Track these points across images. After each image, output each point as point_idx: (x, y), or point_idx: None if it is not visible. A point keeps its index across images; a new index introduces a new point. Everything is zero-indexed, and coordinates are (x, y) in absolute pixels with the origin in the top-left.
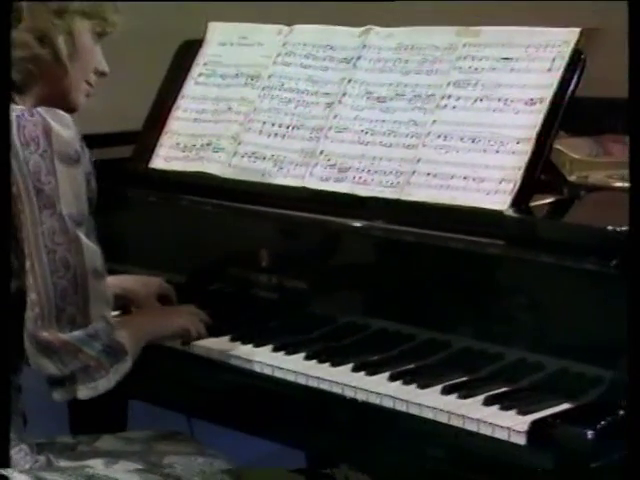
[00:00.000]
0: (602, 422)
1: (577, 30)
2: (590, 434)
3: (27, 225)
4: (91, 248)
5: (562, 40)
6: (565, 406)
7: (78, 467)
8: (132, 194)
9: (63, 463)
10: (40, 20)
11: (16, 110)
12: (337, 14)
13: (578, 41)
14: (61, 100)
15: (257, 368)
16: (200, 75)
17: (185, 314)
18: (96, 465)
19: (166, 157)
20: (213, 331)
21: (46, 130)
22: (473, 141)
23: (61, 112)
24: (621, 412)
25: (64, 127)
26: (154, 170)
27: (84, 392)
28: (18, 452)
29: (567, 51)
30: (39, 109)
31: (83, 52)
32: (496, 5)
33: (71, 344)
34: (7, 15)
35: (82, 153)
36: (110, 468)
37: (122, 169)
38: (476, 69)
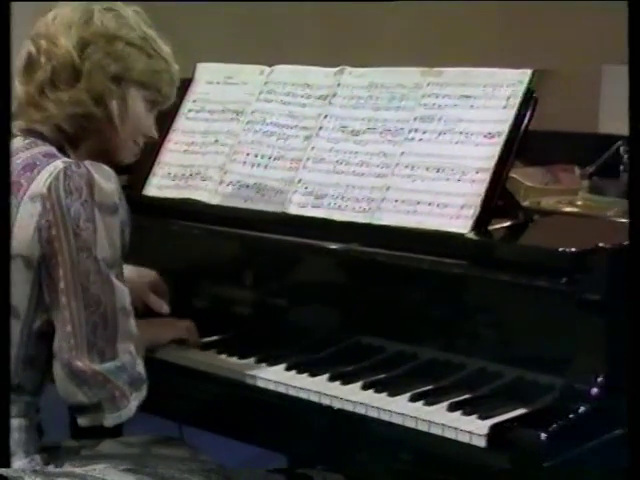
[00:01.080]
0: (554, 425)
1: (529, 71)
2: (543, 436)
3: (64, 265)
4: (121, 289)
5: (516, 80)
6: (521, 411)
7: (81, 473)
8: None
9: (68, 467)
10: (97, 83)
11: (65, 162)
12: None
13: (530, 81)
14: (109, 156)
15: (241, 378)
16: (190, 111)
17: (181, 324)
18: (99, 469)
19: (158, 185)
20: (201, 345)
21: (90, 182)
22: (437, 171)
23: (105, 166)
24: (571, 416)
25: (106, 180)
26: (148, 197)
27: (109, 420)
28: (30, 462)
29: (520, 90)
30: (86, 162)
31: (134, 117)
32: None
33: (101, 374)
34: (7, 15)
35: (120, 205)
36: (110, 471)
37: None
38: (439, 106)
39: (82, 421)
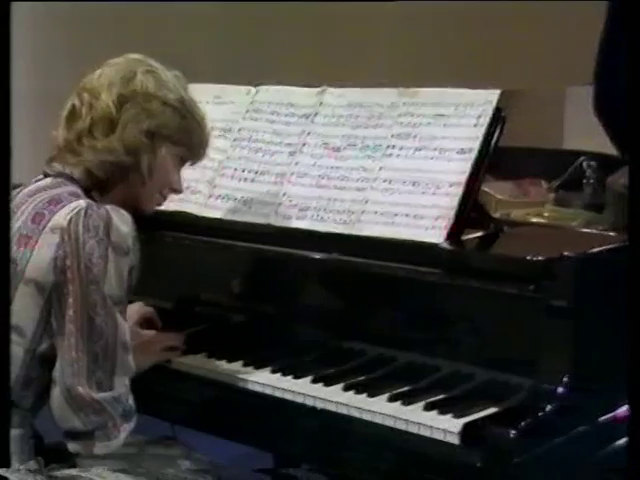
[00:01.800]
0: (523, 423)
1: (497, 92)
2: (513, 433)
3: (74, 294)
4: (123, 325)
5: (485, 100)
6: (492, 410)
7: (78, 474)
8: None
9: (66, 469)
10: (131, 135)
11: (88, 202)
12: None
13: (499, 101)
14: (134, 205)
15: (230, 381)
16: None
17: (157, 344)
18: (95, 471)
19: None
20: (192, 349)
21: (107, 223)
22: (413, 185)
23: (124, 211)
24: (539, 414)
25: (123, 224)
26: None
27: (100, 449)
28: (27, 464)
29: (490, 109)
30: (107, 205)
31: (162, 171)
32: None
33: (99, 403)
34: (7, 15)
35: (132, 249)
36: (106, 472)
37: None
38: (414, 124)
39: (73, 447)
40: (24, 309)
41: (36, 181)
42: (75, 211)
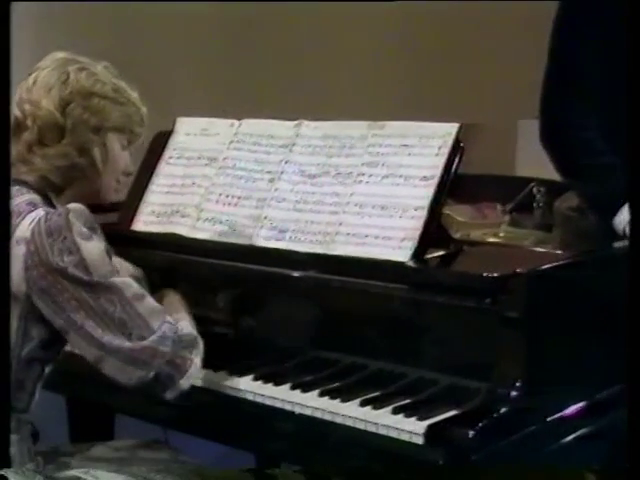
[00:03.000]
0: (480, 424)
1: (457, 125)
2: (471, 434)
3: (66, 294)
4: (123, 282)
5: (446, 132)
6: (453, 412)
7: (74, 475)
8: (117, 251)
9: (62, 470)
10: (80, 136)
11: (46, 209)
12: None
13: (458, 133)
14: (94, 197)
15: (216, 388)
16: (170, 158)
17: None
18: (91, 472)
19: (144, 221)
20: None
21: (67, 220)
22: (382, 208)
23: (78, 204)
24: (495, 415)
25: (80, 213)
26: (135, 232)
27: (185, 382)
28: (27, 466)
29: (450, 140)
30: (61, 207)
31: (114, 159)
32: None
33: (148, 347)
34: (7, 15)
35: (95, 232)
36: (101, 472)
37: (110, 231)
38: (382, 153)
39: (168, 395)
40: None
41: None
42: (35, 221)
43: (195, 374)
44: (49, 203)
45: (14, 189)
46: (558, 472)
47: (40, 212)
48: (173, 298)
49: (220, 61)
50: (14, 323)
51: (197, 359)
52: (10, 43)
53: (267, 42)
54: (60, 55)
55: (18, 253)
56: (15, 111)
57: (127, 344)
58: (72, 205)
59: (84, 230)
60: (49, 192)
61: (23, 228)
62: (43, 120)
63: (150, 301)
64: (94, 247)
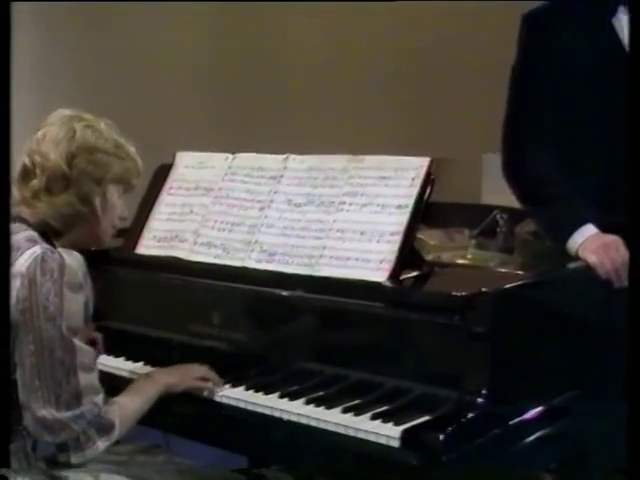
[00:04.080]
0: (450, 428)
1: (428, 159)
2: (441, 437)
3: (34, 332)
4: (82, 349)
5: (419, 165)
6: (426, 418)
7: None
8: (123, 272)
9: (64, 471)
10: (84, 187)
11: (43, 247)
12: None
13: (429, 166)
14: (92, 241)
15: (211, 397)
16: (171, 188)
17: (196, 372)
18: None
19: (146, 245)
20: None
21: (61, 265)
22: (361, 234)
23: (75, 252)
24: (463, 420)
25: (75, 264)
26: (138, 255)
27: (75, 459)
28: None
29: (422, 172)
30: (60, 249)
31: (112, 207)
32: None
33: (61, 421)
34: (7, 15)
35: (84, 285)
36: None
37: (116, 254)
38: (362, 184)
39: (57, 456)
40: None
41: None
42: (32, 257)
43: (87, 456)
44: (47, 240)
45: (14, 225)
46: (517, 474)
47: (37, 249)
48: (179, 373)
49: (217, 100)
50: (12, 347)
51: (101, 444)
52: (10, 43)
53: (259, 86)
54: (67, 112)
55: (14, 285)
56: (25, 160)
57: (47, 410)
58: (69, 256)
59: (73, 282)
60: (49, 233)
61: (20, 263)
62: (51, 171)
63: (92, 377)
64: (76, 301)
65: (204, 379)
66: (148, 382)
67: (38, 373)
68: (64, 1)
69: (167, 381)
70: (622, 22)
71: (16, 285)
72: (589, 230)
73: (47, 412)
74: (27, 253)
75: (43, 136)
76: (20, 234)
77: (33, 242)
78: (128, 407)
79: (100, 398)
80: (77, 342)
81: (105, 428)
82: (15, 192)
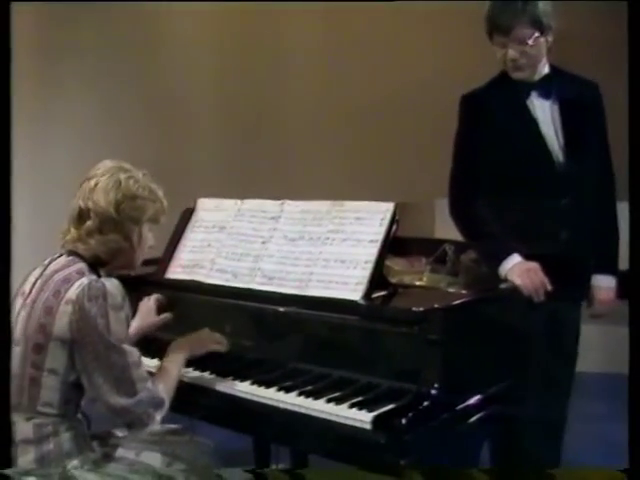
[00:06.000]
0: (410, 414)
1: (393, 204)
2: (404, 420)
3: (92, 346)
4: (130, 351)
5: (386, 209)
6: (391, 406)
7: (120, 459)
8: (156, 292)
9: (111, 454)
10: (127, 226)
11: (90, 279)
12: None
13: (394, 209)
14: (127, 267)
15: (223, 389)
16: (193, 227)
17: (213, 337)
18: (129, 454)
19: (173, 271)
20: (199, 368)
21: (104, 292)
22: (342, 262)
23: (114, 279)
24: (420, 407)
25: (115, 289)
26: (167, 279)
27: (142, 431)
28: (83, 458)
29: (389, 214)
30: (102, 278)
31: (144, 241)
32: None
33: (126, 407)
34: (7, 15)
35: (124, 304)
36: (139, 456)
37: (150, 278)
38: (342, 223)
39: (131, 432)
40: (56, 358)
41: (52, 260)
42: (80, 287)
43: (152, 426)
44: (94, 269)
45: (68, 259)
46: (452, 472)
47: (84, 280)
48: (198, 340)
49: (229, 156)
50: (64, 359)
51: (157, 417)
52: (10, 43)
53: (262, 144)
54: (111, 163)
55: (66, 311)
56: (80, 204)
57: (114, 400)
58: (110, 282)
59: (116, 303)
60: (97, 264)
61: (71, 292)
62: (103, 215)
63: (142, 369)
64: (119, 317)
65: (217, 343)
66: (177, 353)
67: (102, 374)
68: (64, 1)
69: (191, 348)
70: (534, 103)
71: (68, 310)
72: (515, 258)
73: (115, 402)
74: (76, 284)
75: (95, 184)
76: (72, 267)
77: (81, 274)
78: (169, 382)
79: (150, 383)
80: (126, 346)
81: (159, 405)
82: (73, 231)
